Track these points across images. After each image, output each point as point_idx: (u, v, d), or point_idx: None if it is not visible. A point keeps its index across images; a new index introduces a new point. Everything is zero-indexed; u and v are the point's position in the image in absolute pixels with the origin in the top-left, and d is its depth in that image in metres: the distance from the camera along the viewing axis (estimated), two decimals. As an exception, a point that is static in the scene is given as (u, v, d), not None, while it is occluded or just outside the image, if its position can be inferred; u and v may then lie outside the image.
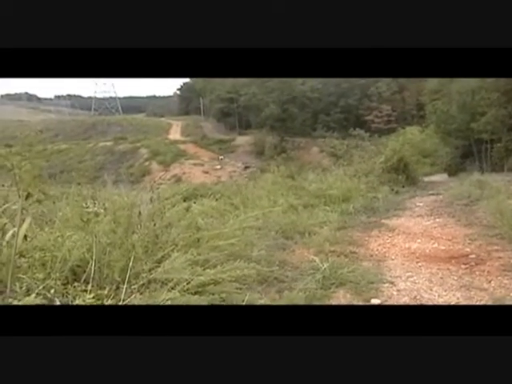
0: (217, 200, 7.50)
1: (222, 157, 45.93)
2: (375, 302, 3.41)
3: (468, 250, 4.92)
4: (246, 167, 42.50)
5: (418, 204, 9.15)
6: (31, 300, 2.39)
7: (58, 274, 2.79)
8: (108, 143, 51.95)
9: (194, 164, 43.95)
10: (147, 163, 45.23)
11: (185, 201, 5.96)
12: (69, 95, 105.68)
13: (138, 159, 46.67)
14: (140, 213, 3.81)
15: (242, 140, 50.54)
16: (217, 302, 2.91)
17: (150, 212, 3.92)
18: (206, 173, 40.67)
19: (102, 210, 3.45)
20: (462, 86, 30.68)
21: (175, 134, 56.66)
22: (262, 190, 9.19)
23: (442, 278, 3.94)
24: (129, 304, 2.65)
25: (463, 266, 4.26)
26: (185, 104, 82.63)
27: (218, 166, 43.43)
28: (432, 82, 41.01)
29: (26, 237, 2.69)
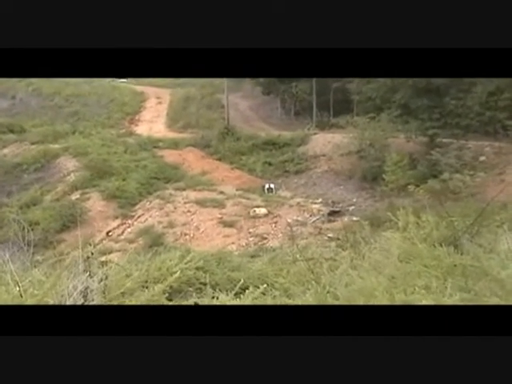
0: (255, 300, 2.91)
1: (271, 185, 20.22)
2: None
3: None
4: (334, 212, 17.83)
5: None
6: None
7: None
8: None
9: (198, 202, 17.97)
10: (77, 195, 18.82)
11: (171, 298, 2.87)
12: None
13: (55, 184, 20.05)
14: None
15: (326, 141, 22.09)
16: None
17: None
18: (230, 226, 16.62)
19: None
20: None
21: (154, 123, 26.77)
22: (374, 274, 2.78)
23: None
24: (128, 304, 2.62)
25: None
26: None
27: (262, 210, 17.60)
28: None
29: None
